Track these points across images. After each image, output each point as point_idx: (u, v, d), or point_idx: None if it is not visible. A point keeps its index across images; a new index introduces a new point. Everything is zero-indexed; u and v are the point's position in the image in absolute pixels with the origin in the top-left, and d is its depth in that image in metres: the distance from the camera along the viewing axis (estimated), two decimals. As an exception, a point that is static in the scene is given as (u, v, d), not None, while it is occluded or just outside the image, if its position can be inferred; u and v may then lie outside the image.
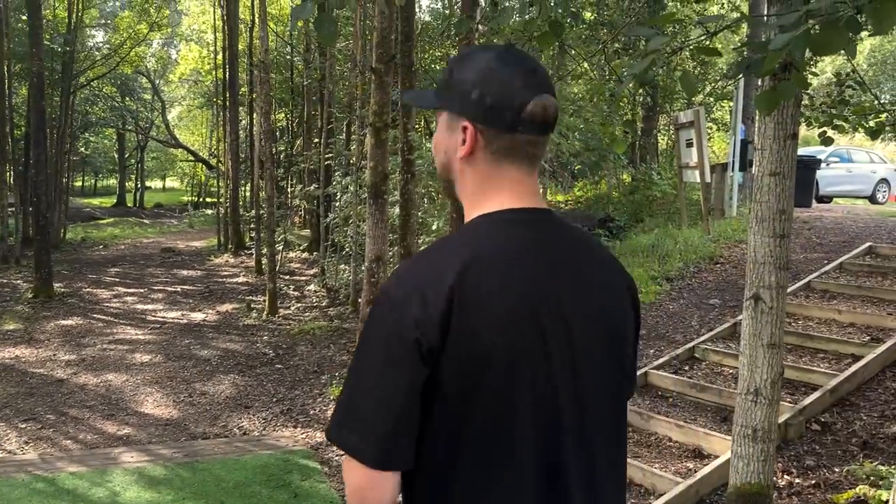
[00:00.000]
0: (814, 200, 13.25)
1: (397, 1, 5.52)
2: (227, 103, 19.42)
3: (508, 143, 1.19)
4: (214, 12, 22.98)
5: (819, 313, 6.63)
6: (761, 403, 3.31)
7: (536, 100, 1.18)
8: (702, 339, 6.43)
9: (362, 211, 10.20)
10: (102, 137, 40.09)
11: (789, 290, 6.84)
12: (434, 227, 11.16)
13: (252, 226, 17.25)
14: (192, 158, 36.59)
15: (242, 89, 21.21)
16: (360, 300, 8.03)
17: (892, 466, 4.08)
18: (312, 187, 15.49)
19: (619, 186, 18.01)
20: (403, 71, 8.38)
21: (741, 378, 3.40)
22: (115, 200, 39.06)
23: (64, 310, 11.44)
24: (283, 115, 24.30)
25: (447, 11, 17.43)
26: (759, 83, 3.38)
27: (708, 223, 10.20)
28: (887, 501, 3.65)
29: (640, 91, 17.00)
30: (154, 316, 11.14)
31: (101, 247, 21.03)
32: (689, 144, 10.28)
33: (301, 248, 17.84)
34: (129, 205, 38.31)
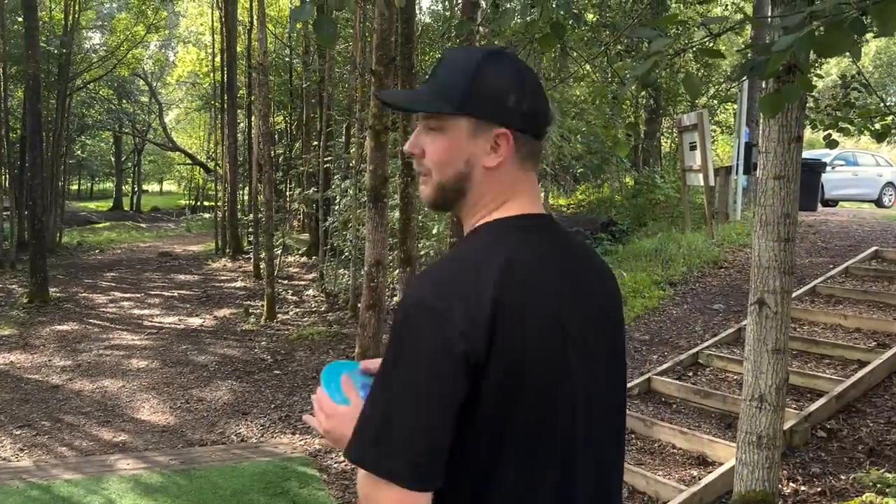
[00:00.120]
0: (819, 204, 13.26)
1: (397, 2, 5.53)
2: (226, 106, 19.45)
3: (532, 149, 1.23)
4: (212, 14, 23.02)
5: (824, 318, 6.63)
6: (766, 410, 3.31)
7: (549, 105, 1.23)
8: (706, 344, 6.43)
9: (362, 215, 10.21)
10: (99, 140, 40.11)
11: (794, 294, 6.84)
12: (434, 232, 11.18)
13: (250, 230, 17.28)
14: (189, 162, 36.65)
15: (241, 92, 21.23)
16: (359, 305, 8.03)
17: (899, 474, 4.08)
18: (311, 191, 15.51)
19: (622, 190, 18.02)
20: (404, 73, 8.38)
21: (746, 384, 3.39)
22: (111, 204, 39.09)
23: (59, 315, 11.44)
24: (281, 117, 24.33)
25: (448, 13, 17.46)
26: (764, 85, 3.39)
27: (712, 227, 10.20)
28: (894, 509, 3.64)
29: (643, 93, 17.02)
30: (151, 321, 11.14)
31: (97, 251, 21.04)
32: (693, 147, 10.29)
33: (300, 252, 17.84)
34: (125, 209, 38.33)
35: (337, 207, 13.25)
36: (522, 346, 1.09)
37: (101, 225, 29.30)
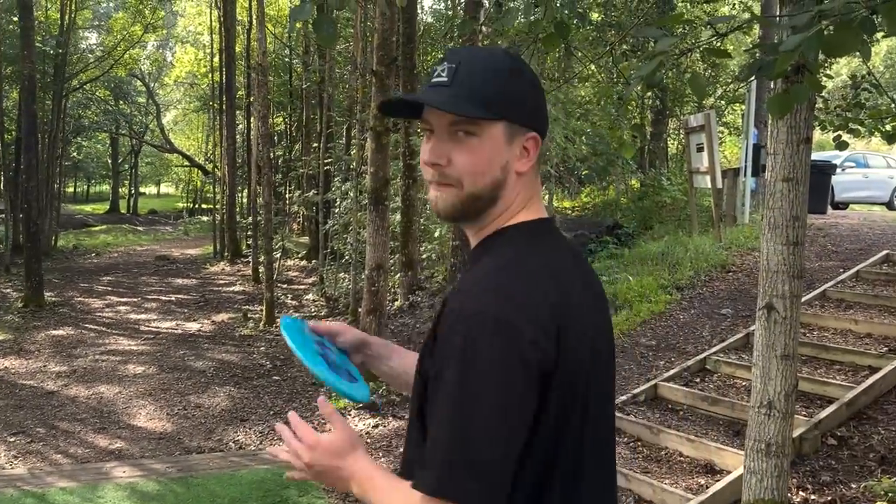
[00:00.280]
0: (829, 207, 13.24)
1: (399, 2, 5.54)
2: (224, 107, 19.49)
3: (542, 151, 1.25)
4: (211, 14, 23.08)
5: (835, 323, 6.61)
6: (775, 417, 3.30)
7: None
8: (713, 350, 6.42)
9: (362, 217, 10.21)
10: (95, 142, 40.24)
11: (804, 299, 6.82)
12: (437, 235, 11.18)
13: (249, 233, 17.30)
14: (187, 164, 36.73)
15: (240, 93, 21.28)
16: (360, 310, 8.03)
17: (912, 482, 4.07)
18: (311, 193, 15.53)
19: (628, 192, 18.01)
20: (405, 73, 8.42)
21: (754, 390, 3.39)
22: (108, 207, 39.20)
23: (55, 319, 11.45)
24: (281, 118, 24.39)
25: (450, 13, 17.49)
26: (772, 86, 3.39)
27: (719, 230, 10.19)
28: (906, 519, 3.63)
29: (649, 94, 17.04)
30: (148, 326, 11.15)
31: (93, 255, 21.08)
32: (700, 149, 10.28)
33: (299, 255, 17.86)
34: (122, 211, 38.43)
35: (337, 210, 13.27)
36: (575, 355, 1.10)
37: (97, 228, 29.37)
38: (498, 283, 1.09)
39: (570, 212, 17.88)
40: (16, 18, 16.24)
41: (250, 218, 16.53)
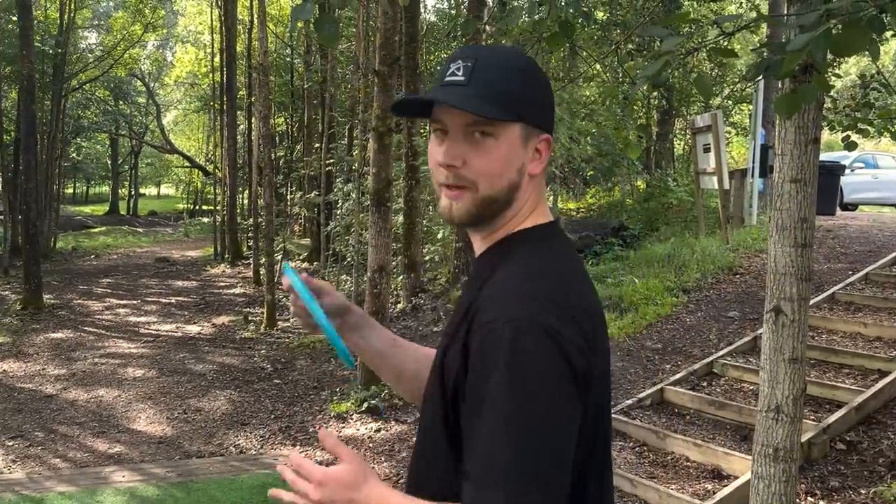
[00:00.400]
0: (838, 208, 13.21)
1: (401, 1, 5.55)
2: (225, 107, 19.54)
3: None
4: (212, 13, 23.14)
5: (844, 327, 6.60)
6: (783, 421, 3.29)
7: None
8: (720, 353, 6.41)
9: (364, 219, 10.22)
10: (95, 143, 40.33)
11: (812, 302, 6.82)
12: (440, 236, 11.18)
13: (250, 234, 17.31)
14: (187, 164, 36.80)
15: (241, 93, 21.33)
16: (362, 312, 8.03)
17: (922, 488, 4.05)
18: (313, 194, 15.55)
19: (633, 193, 17.99)
20: (408, 73, 8.44)
21: (762, 394, 3.38)
22: (107, 208, 39.30)
23: (54, 322, 11.48)
24: (282, 119, 24.43)
25: (453, 12, 17.51)
26: (780, 86, 3.38)
27: (726, 232, 10.18)
28: (917, 525, 3.62)
29: (655, 94, 17.02)
30: (147, 329, 11.17)
31: (92, 256, 21.13)
32: (707, 149, 10.27)
33: (301, 257, 17.87)
34: (122, 213, 38.53)
35: (339, 211, 13.28)
36: (604, 356, 1.12)
37: (96, 229, 29.43)
38: (534, 289, 1.07)
39: (574, 213, 17.87)
40: (15, 18, 16.29)
41: (251, 219, 16.55)
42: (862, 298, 7.19)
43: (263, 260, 12.21)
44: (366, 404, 6.64)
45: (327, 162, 14.86)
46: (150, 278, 16.86)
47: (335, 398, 7.15)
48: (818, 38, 1.78)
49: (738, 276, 8.73)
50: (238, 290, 14.79)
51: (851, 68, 26.53)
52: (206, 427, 6.74)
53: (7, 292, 13.98)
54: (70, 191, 44.84)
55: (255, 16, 16.09)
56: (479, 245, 1.24)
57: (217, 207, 22.37)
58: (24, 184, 13.08)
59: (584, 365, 1.04)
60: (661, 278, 8.74)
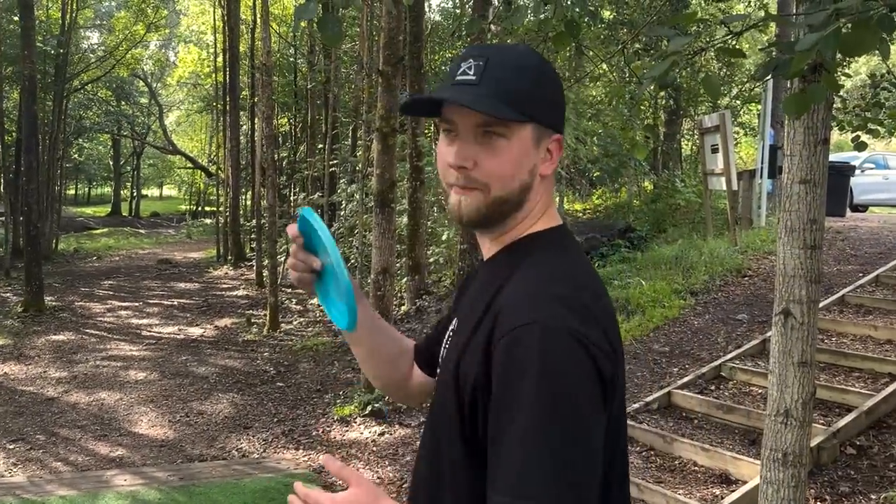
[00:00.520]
0: (848, 209, 13.18)
1: (405, 0, 5.56)
2: (228, 107, 19.57)
3: None
4: (214, 12, 23.21)
5: (854, 329, 6.58)
6: (792, 425, 3.28)
7: None
8: (729, 356, 6.40)
9: (368, 220, 10.23)
10: (97, 143, 40.46)
11: (822, 304, 6.80)
12: (444, 238, 11.18)
13: (253, 236, 17.35)
14: (190, 165, 36.86)
15: (243, 93, 21.39)
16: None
17: (934, 493, 4.04)
18: (316, 195, 15.57)
19: (640, 194, 17.97)
20: (412, 73, 8.44)
21: (770, 398, 3.37)
22: (109, 209, 39.42)
23: (55, 324, 11.51)
24: (285, 119, 24.45)
25: (458, 11, 17.52)
26: (788, 86, 3.38)
27: (735, 233, 10.16)
28: (928, 531, 3.60)
29: (663, 94, 17.01)
30: (149, 331, 11.19)
31: (94, 258, 21.19)
32: (715, 150, 10.26)
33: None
34: (124, 214, 38.65)
35: (343, 213, 13.30)
36: (622, 358, 1.12)
37: (98, 231, 29.52)
38: (558, 293, 1.06)
39: (581, 214, 17.86)
40: (16, 18, 16.35)
41: (254, 220, 16.58)
42: (872, 301, 7.17)
43: (266, 262, 12.22)
44: (369, 407, 6.64)
45: (331, 163, 14.88)
46: (153, 280, 16.90)
47: (338, 401, 7.16)
48: (827, 37, 1.78)
49: (746, 278, 8.72)
50: (241, 293, 14.81)
51: (861, 68, 26.46)
52: (208, 430, 6.75)
53: (8, 294, 14.03)
54: (72, 192, 44.99)
55: (259, 15, 16.13)
56: (488, 248, 1.23)
57: (220, 209, 22.43)
58: (25, 185, 13.12)
59: (609, 369, 1.03)
60: (669, 280, 8.73)
